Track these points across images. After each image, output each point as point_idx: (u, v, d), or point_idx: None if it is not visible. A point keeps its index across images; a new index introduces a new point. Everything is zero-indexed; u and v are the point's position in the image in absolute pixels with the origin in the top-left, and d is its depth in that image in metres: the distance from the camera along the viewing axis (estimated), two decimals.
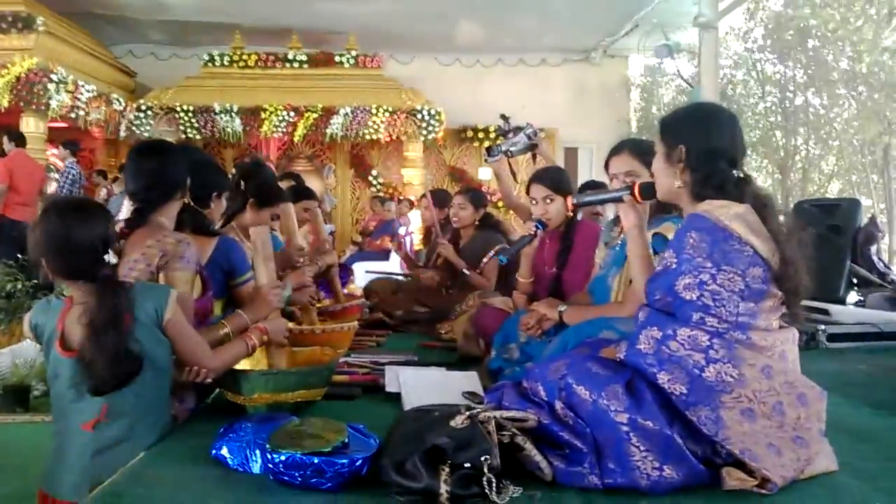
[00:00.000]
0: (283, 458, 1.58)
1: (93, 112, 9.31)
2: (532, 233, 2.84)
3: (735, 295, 1.64)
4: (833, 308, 4.20)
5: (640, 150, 2.46)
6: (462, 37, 10.74)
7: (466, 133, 11.73)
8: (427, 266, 4.75)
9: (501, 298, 3.42)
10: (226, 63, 10.71)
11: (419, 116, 10.31)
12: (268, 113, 10.06)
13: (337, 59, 10.79)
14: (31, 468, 2.10)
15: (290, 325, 2.95)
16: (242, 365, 2.23)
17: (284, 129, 10.19)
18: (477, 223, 4.34)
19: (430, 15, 9.82)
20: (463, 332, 3.35)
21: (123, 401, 1.84)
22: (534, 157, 4.02)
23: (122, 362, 1.77)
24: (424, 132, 10.40)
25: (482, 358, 3.02)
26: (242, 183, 3.04)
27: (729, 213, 1.69)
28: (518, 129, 3.95)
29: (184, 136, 9.99)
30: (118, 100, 10.02)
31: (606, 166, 2.55)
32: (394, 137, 10.48)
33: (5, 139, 7.36)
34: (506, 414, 1.68)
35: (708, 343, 1.61)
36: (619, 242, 2.47)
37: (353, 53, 10.78)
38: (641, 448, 1.58)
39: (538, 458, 1.62)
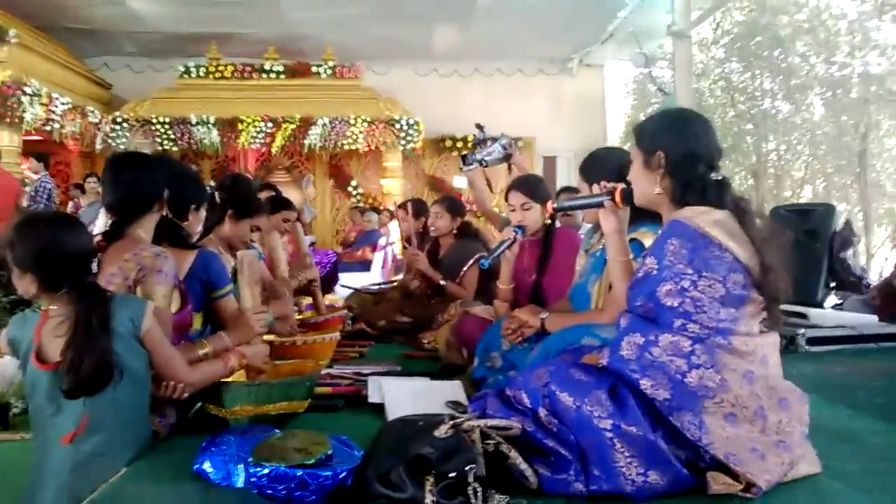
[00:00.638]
0: (266, 471, 1.56)
1: (68, 125, 9.19)
2: (512, 237, 2.85)
3: (716, 301, 1.65)
4: (811, 312, 4.24)
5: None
6: (438, 43, 10.75)
7: (445, 143, 11.73)
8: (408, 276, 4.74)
9: (483, 307, 3.42)
10: (202, 74, 10.64)
11: (398, 126, 10.30)
12: (245, 124, 10.00)
13: (314, 69, 10.76)
14: (11, 487, 2.06)
15: (272, 337, 2.94)
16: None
17: (262, 141, 10.13)
18: (456, 232, 4.34)
19: (405, 19, 9.78)
20: (445, 341, 3.34)
21: (102, 413, 1.82)
22: (509, 167, 4.03)
23: (106, 365, 1.76)
24: (403, 142, 10.39)
25: (465, 367, 3.01)
26: (221, 194, 3.02)
27: (709, 220, 1.70)
28: (493, 140, 3.97)
29: (160, 147, 9.89)
30: (93, 112, 9.91)
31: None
32: (373, 147, 10.45)
33: None
34: (490, 422, 1.68)
35: (690, 349, 1.62)
36: (599, 249, 2.48)
37: (331, 64, 10.76)
38: (626, 454, 1.58)
39: (523, 466, 1.62)
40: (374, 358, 3.51)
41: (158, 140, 10.00)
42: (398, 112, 10.44)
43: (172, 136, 10.03)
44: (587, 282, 2.54)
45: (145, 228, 2.24)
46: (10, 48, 8.41)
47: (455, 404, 2.34)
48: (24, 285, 1.82)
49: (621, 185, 2.03)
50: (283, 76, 10.73)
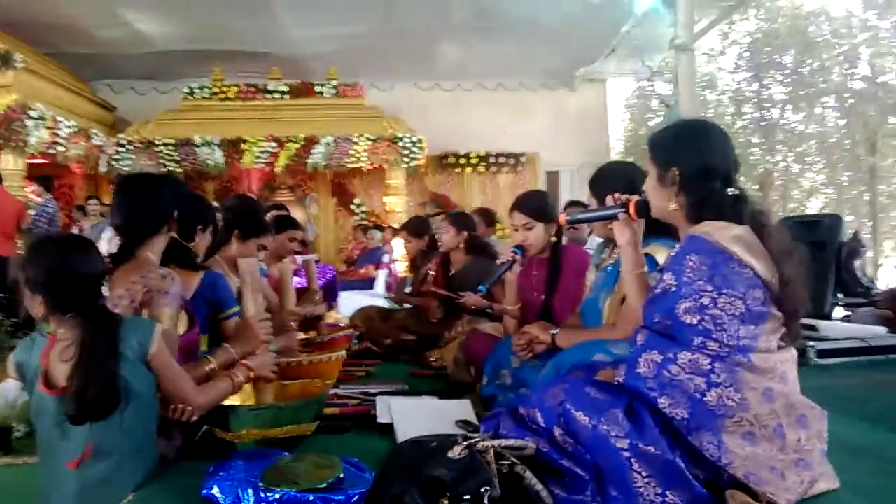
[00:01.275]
0: (277, 495, 1.54)
1: (72, 148, 9.24)
2: (511, 258, 2.82)
3: (736, 319, 1.62)
4: (821, 324, 4.20)
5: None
6: (441, 59, 10.77)
7: (448, 159, 11.76)
8: (414, 293, 4.71)
9: (491, 324, 3.39)
10: (206, 95, 10.70)
11: (401, 144, 10.32)
12: (249, 144, 10.04)
13: (317, 88, 10.82)
14: None
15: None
16: (231, 400, 2.18)
17: (266, 160, 10.17)
18: (464, 247, 4.27)
19: (408, 35, 9.84)
20: (453, 359, 3.31)
21: (109, 438, 1.79)
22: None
23: (113, 391, 1.73)
24: (406, 159, 10.41)
25: (473, 385, 2.98)
26: (227, 214, 3.01)
27: (729, 236, 1.66)
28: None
29: (165, 169, 9.92)
30: (98, 135, 9.96)
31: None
32: (376, 165, 10.49)
33: None
34: (504, 443, 1.65)
35: (709, 367, 1.59)
36: (611, 264, 2.45)
37: (334, 83, 10.81)
38: (644, 474, 1.55)
39: (539, 486, 1.59)
40: (381, 377, 3.48)
41: (162, 161, 10.04)
42: (401, 130, 10.48)
43: (177, 158, 10.08)
44: (598, 297, 2.50)
45: (154, 250, 2.22)
46: (17, 73, 8.48)
47: (465, 423, 2.31)
48: (34, 307, 1.80)
49: (636, 197, 1.99)
50: (286, 96, 10.79)
